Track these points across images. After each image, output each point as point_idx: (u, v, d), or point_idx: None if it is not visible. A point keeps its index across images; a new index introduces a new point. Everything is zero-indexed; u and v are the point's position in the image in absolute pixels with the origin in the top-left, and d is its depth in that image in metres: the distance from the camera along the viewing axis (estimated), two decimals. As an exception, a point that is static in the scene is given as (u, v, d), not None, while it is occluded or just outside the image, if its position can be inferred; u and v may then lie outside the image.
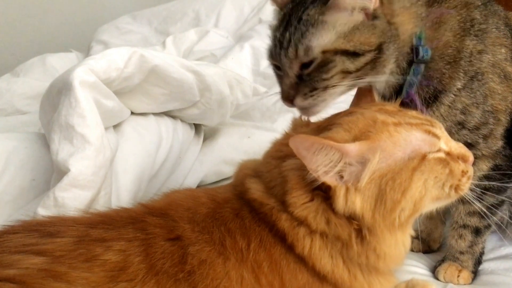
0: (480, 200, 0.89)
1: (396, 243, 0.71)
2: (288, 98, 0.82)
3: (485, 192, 0.89)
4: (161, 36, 2.13)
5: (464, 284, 0.95)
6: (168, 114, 1.23)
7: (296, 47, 0.77)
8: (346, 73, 0.78)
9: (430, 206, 0.72)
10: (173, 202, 0.75)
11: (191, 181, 1.24)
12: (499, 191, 0.89)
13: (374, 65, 0.79)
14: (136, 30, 2.20)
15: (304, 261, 0.69)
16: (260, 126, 1.46)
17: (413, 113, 0.73)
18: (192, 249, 0.66)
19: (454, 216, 0.94)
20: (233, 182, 0.82)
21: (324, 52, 0.77)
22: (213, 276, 0.64)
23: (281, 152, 0.74)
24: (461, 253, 0.95)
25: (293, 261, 0.69)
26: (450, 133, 0.83)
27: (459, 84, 0.82)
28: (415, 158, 0.67)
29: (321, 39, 0.76)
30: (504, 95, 0.85)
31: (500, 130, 0.86)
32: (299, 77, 0.79)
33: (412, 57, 0.81)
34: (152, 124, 1.16)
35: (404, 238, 0.73)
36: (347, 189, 0.66)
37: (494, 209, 0.91)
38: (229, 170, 1.25)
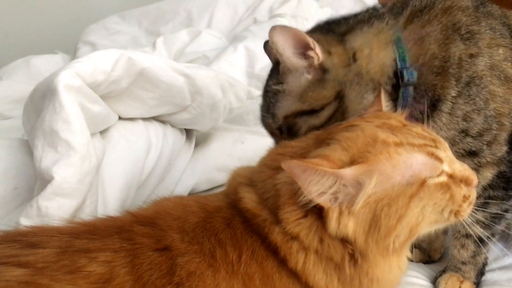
0: (484, 209, 0.90)
1: (390, 267, 0.71)
2: None
3: (489, 201, 0.90)
4: (151, 36, 2.14)
5: (466, 296, 0.96)
6: (157, 119, 1.23)
7: (267, 117, 0.90)
8: (316, 128, 0.83)
9: (427, 229, 0.72)
10: (162, 210, 0.75)
11: (182, 189, 1.25)
12: (503, 199, 0.91)
13: (344, 111, 0.83)
14: (125, 31, 2.21)
15: (297, 276, 0.70)
16: (254, 131, 1.46)
17: (418, 129, 0.72)
18: (181, 260, 0.66)
19: (456, 225, 0.95)
20: (225, 190, 0.82)
21: (285, 117, 0.85)
22: None
23: (276, 162, 0.74)
24: (463, 263, 0.96)
25: (286, 276, 0.70)
26: (455, 142, 0.85)
27: (453, 92, 0.84)
28: (414, 183, 0.66)
29: (281, 107, 0.86)
30: (506, 97, 0.86)
31: (504, 135, 0.87)
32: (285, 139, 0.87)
33: (396, 81, 0.83)
34: (140, 129, 1.17)
35: (399, 262, 0.73)
36: (341, 212, 0.66)
37: (498, 218, 0.92)
38: (222, 177, 1.26)
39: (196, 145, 1.39)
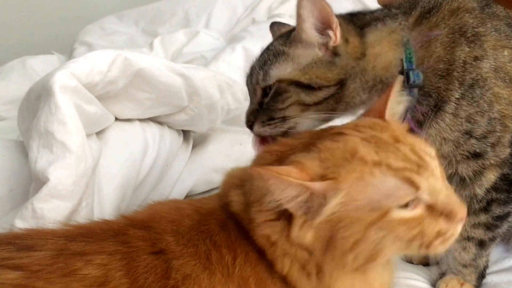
0: (486, 212, 0.91)
1: (354, 285, 0.70)
2: (248, 123, 0.89)
3: (491, 203, 0.91)
4: (148, 37, 2.14)
5: (466, 299, 0.96)
6: (154, 120, 1.23)
7: (258, 73, 0.86)
8: (303, 105, 0.83)
9: (396, 254, 0.70)
10: (156, 214, 0.75)
11: (179, 191, 1.25)
12: (506, 202, 0.91)
13: (339, 100, 0.83)
14: (122, 31, 2.21)
15: (286, 282, 0.69)
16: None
17: (406, 150, 0.67)
18: (176, 263, 0.66)
19: None
20: (219, 191, 0.83)
21: (279, 81, 0.84)
22: None
23: (264, 160, 0.74)
24: (464, 266, 0.97)
25: (279, 281, 0.70)
26: (459, 143, 0.86)
27: (456, 94, 0.84)
28: (377, 211, 0.63)
29: (279, 68, 0.84)
30: (510, 99, 0.86)
31: (508, 137, 0.87)
32: (260, 104, 0.88)
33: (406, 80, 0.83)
34: (137, 130, 1.17)
35: (369, 279, 0.71)
36: (305, 221, 0.66)
37: (500, 220, 0.92)
38: (219, 179, 1.25)
39: (194, 147, 1.39)
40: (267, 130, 0.86)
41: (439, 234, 0.65)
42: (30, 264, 0.62)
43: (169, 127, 1.28)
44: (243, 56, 1.74)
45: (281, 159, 0.71)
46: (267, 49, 0.90)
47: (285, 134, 0.84)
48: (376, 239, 0.64)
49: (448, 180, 0.87)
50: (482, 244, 0.94)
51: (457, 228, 0.67)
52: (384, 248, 0.65)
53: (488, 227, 0.91)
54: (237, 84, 1.43)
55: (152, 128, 1.21)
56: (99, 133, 1.11)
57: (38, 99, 0.93)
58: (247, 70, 0.94)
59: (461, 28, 0.86)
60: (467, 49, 0.85)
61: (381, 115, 0.74)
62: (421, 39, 0.85)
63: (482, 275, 0.98)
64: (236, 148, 1.39)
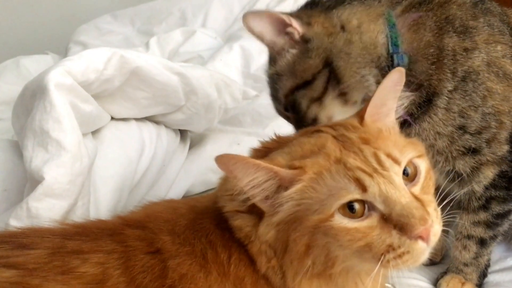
0: (486, 210, 0.91)
1: None
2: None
3: (491, 200, 0.91)
4: (144, 37, 2.14)
5: (468, 298, 0.96)
6: (151, 119, 1.24)
7: (275, 102, 0.94)
8: (317, 100, 0.86)
9: (360, 264, 0.67)
10: (152, 214, 0.76)
11: (177, 191, 1.25)
12: (505, 199, 0.91)
13: (338, 78, 0.84)
14: (118, 31, 2.22)
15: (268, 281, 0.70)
16: (250, 132, 1.47)
17: (369, 153, 0.65)
18: (173, 263, 0.67)
19: (458, 226, 0.96)
20: (215, 190, 0.83)
21: (286, 96, 0.89)
22: None
23: (254, 155, 0.75)
24: (465, 265, 0.97)
25: (265, 281, 0.70)
26: (453, 139, 0.86)
27: (449, 86, 0.85)
28: (321, 213, 0.63)
29: (280, 88, 0.89)
30: (505, 94, 0.86)
31: (504, 134, 0.88)
32: (297, 121, 0.91)
33: (391, 63, 0.85)
34: (133, 130, 1.17)
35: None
36: (270, 219, 0.67)
37: (500, 218, 0.93)
38: (217, 179, 1.27)
39: (191, 147, 1.40)
40: None
41: (390, 247, 0.62)
42: (25, 262, 0.62)
43: (166, 126, 1.28)
44: (240, 55, 1.74)
45: (265, 156, 0.72)
46: (267, 80, 0.95)
47: None
48: (325, 245, 0.64)
49: (445, 177, 0.88)
50: (482, 243, 0.94)
51: (415, 246, 0.62)
52: (337, 255, 0.65)
53: (488, 225, 0.92)
54: (235, 83, 1.43)
55: (149, 127, 1.22)
56: (94, 133, 1.11)
57: (33, 97, 0.93)
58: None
59: (447, 17, 0.87)
60: (456, 38, 0.85)
61: (362, 114, 0.74)
62: (408, 22, 0.86)
63: (483, 274, 0.99)
64: (234, 148, 1.39)
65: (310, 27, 0.86)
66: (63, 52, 2.13)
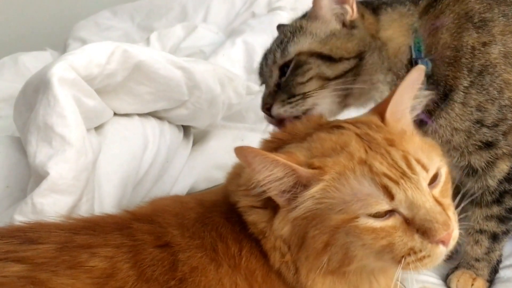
0: (499, 204, 0.92)
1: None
2: (266, 106, 0.91)
3: (504, 194, 0.92)
4: (144, 32, 2.15)
5: (478, 294, 0.97)
6: (154, 115, 1.24)
7: (274, 52, 0.89)
8: (324, 79, 0.85)
9: (377, 263, 0.68)
10: (160, 208, 0.77)
11: (180, 188, 1.26)
12: None
13: (357, 73, 0.85)
14: (117, 26, 2.22)
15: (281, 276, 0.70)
16: (254, 128, 1.47)
17: (397, 156, 0.66)
18: (183, 256, 0.68)
19: (470, 221, 0.96)
20: (223, 184, 0.84)
21: (299, 54, 0.86)
22: (205, 284, 0.66)
23: (265, 147, 0.76)
24: (477, 260, 0.98)
25: (276, 275, 0.71)
26: (470, 133, 0.87)
27: (465, 83, 0.86)
28: (344, 214, 0.63)
29: (298, 42, 0.87)
30: None
31: None
32: (278, 85, 0.89)
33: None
34: (136, 125, 1.17)
35: (356, 285, 0.71)
36: (287, 214, 0.67)
37: None
38: (221, 176, 1.26)
39: (194, 143, 1.40)
40: (287, 110, 0.87)
41: (412, 250, 0.64)
42: (34, 257, 0.63)
43: (169, 122, 1.28)
44: (243, 50, 1.75)
45: (278, 148, 0.73)
46: (281, 32, 0.93)
47: (305, 115, 0.86)
48: (345, 243, 0.65)
49: (460, 172, 0.89)
50: (495, 237, 0.95)
51: (436, 251, 0.64)
52: (356, 255, 0.65)
53: (501, 219, 0.92)
54: (238, 78, 1.43)
55: (152, 123, 1.22)
56: (97, 129, 1.11)
57: (35, 92, 0.94)
58: (260, 59, 0.97)
59: (467, 14, 0.88)
60: (475, 34, 0.86)
61: (382, 112, 0.74)
62: (429, 28, 0.88)
63: (495, 270, 0.99)
64: (238, 144, 1.39)
65: (362, 19, 0.88)
66: (62, 49, 2.14)
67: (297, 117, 0.86)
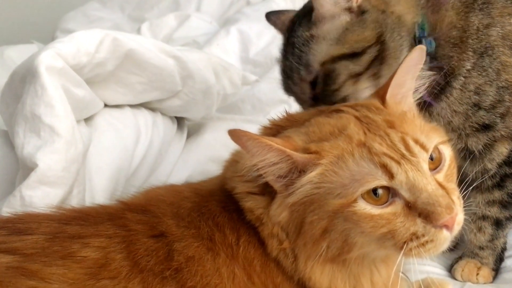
0: (501, 188, 0.93)
1: (338, 276, 0.70)
2: None
3: (505, 178, 0.93)
4: (135, 23, 2.15)
5: (484, 283, 0.98)
6: (146, 106, 1.24)
7: (298, 70, 0.88)
8: (355, 76, 0.85)
9: (379, 250, 0.68)
10: (154, 197, 0.78)
11: (175, 181, 1.25)
12: None
13: (383, 59, 0.85)
14: (107, 17, 2.22)
15: (279, 265, 0.71)
16: (251, 119, 1.48)
17: (396, 138, 0.66)
18: (178, 246, 0.68)
19: (472, 207, 0.97)
20: (220, 173, 0.84)
21: (323, 64, 0.86)
22: (202, 273, 0.66)
23: (264, 133, 0.77)
24: (481, 248, 0.99)
25: (275, 264, 0.71)
26: (468, 116, 0.89)
27: (468, 65, 0.88)
28: (343, 198, 0.64)
29: (316, 53, 0.86)
30: None
31: None
32: (314, 99, 0.89)
33: None
34: (128, 117, 1.18)
35: (357, 273, 0.72)
36: (284, 199, 0.68)
37: None
38: (217, 169, 1.27)
39: (189, 136, 1.40)
40: None
41: (414, 235, 0.64)
42: (23, 247, 0.63)
43: (162, 114, 1.29)
44: (238, 39, 1.75)
45: (277, 134, 0.73)
46: (293, 43, 0.91)
47: None
48: (344, 230, 0.65)
49: (457, 155, 0.90)
50: (498, 224, 0.96)
51: (439, 235, 0.64)
52: (356, 242, 0.66)
53: (504, 204, 0.94)
54: (233, 68, 1.44)
55: (144, 114, 1.22)
56: (87, 120, 1.11)
57: (22, 82, 0.94)
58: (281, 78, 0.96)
59: None
60: (481, 15, 0.88)
61: (383, 94, 0.74)
62: (432, 3, 0.88)
63: (500, 258, 1.00)
64: (234, 137, 1.39)
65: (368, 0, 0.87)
66: (49, 41, 2.11)
67: None
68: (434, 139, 0.69)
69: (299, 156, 0.66)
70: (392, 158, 0.64)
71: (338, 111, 0.73)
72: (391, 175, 0.63)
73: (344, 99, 0.86)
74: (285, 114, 0.79)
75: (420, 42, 0.86)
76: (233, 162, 0.78)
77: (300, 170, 0.67)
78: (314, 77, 0.88)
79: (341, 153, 0.65)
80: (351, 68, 0.85)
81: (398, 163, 0.64)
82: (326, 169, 0.65)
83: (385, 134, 0.67)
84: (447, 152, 0.71)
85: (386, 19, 0.86)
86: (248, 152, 0.65)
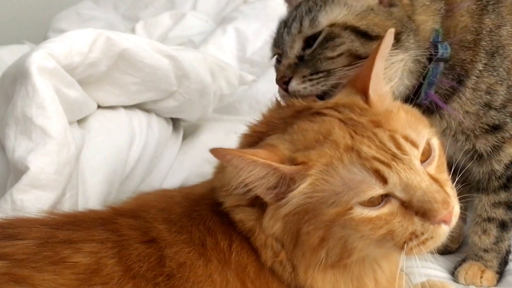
0: (507, 189, 0.94)
1: (341, 280, 0.71)
2: (283, 79, 0.85)
3: None
4: (129, 22, 2.15)
5: (488, 287, 0.98)
6: (141, 107, 1.24)
7: (301, 20, 0.84)
8: (354, 57, 0.82)
9: (379, 251, 0.69)
10: (144, 203, 0.78)
11: (171, 184, 1.25)
12: None
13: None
14: (101, 17, 2.22)
15: (275, 274, 0.71)
16: (248, 120, 1.47)
17: (385, 137, 0.65)
18: (170, 251, 0.68)
19: (477, 209, 0.98)
20: (212, 179, 0.84)
21: (331, 25, 0.83)
22: (194, 279, 0.66)
23: (245, 142, 0.77)
24: (485, 251, 0.99)
25: (270, 272, 0.71)
26: (479, 116, 0.90)
27: (480, 66, 0.89)
28: (338, 206, 0.63)
29: (331, 12, 0.83)
30: None
31: None
32: (300, 58, 0.85)
33: (431, 54, 0.86)
34: (122, 118, 1.17)
35: (359, 274, 0.72)
36: (276, 211, 0.67)
37: None
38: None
39: (184, 138, 1.40)
40: (307, 87, 0.83)
41: (413, 235, 0.64)
42: (13, 253, 0.63)
43: (157, 115, 1.28)
44: (235, 38, 1.75)
45: (259, 141, 0.73)
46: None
47: (324, 95, 0.83)
48: (342, 237, 0.65)
49: (463, 156, 0.90)
50: (503, 226, 0.96)
51: (438, 231, 0.64)
52: (355, 246, 0.66)
53: (510, 206, 0.94)
54: (230, 67, 1.43)
55: (139, 116, 1.22)
56: (80, 122, 1.11)
57: (13, 82, 0.93)
58: (276, 26, 0.93)
59: None
60: (493, 16, 0.89)
61: (363, 89, 0.73)
62: (447, 9, 0.89)
63: (504, 261, 1.00)
64: (232, 137, 1.38)
65: None
66: (41, 41, 2.11)
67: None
68: (424, 133, 0.68)
69: (286, 168, 0.65)
70: (383, 162, 0.63)
71: (320, 114, 0.72)
72: (384, 180, 0.63)
73: (328, 73, 0.82)
74: (261, 118, 0.79)
75: (435, 47, 0.86)
76: (221, 169, 0.77)
77: (288, 181, 0.66)
78: (313, 34, 0.84)
79: (329, 160, 0.64)
80: (356, 46, 0.82)
81: (389, 166, 0.63)
82: (316, 179, 0.65)
83: (373, 135, 0.66)
84: (435, 142, 0.71)
85: (408, 24, 0.86)
86: (234, 169, 0.65)
